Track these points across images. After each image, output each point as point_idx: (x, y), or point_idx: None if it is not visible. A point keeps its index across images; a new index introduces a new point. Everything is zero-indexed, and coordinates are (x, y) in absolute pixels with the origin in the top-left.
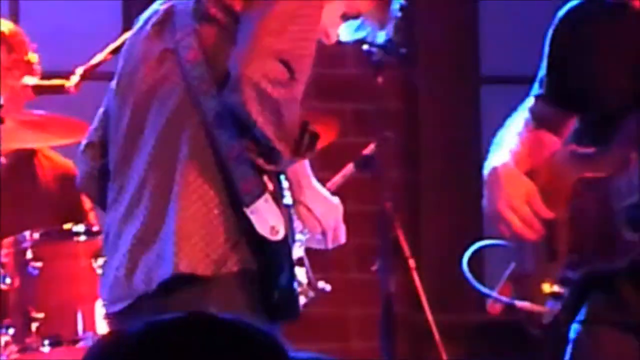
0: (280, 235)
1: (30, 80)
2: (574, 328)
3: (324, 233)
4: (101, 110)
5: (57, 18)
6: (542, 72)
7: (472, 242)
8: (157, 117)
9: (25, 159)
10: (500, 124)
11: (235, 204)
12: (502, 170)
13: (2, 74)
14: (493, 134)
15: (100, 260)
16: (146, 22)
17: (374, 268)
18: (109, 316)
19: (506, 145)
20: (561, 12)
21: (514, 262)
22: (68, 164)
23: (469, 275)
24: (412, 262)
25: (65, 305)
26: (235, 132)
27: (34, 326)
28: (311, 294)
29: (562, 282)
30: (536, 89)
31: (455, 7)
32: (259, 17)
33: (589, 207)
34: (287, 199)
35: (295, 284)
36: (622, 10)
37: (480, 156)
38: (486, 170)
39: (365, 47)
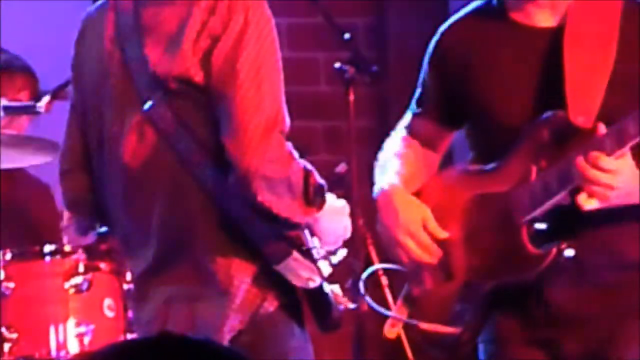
0: (316, 283)
1: (1, 102)
2: (484, 348)
3: (335, 239)
4: (67, 135)
5: (28, 38)
6: (420, 90)
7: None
8: (156, 189)
9: (9, 175)
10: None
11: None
12: (393, 194)
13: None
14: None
15: (75, 280)
16: (99, 65)
17: (346, 287)
18: None
19: (391, 167)
20: (443, 27)
21: (408, 283)
22: (42, 183)
23: (367, 297)
24: (384, 280)
25: (38, 325)
26: (241, 202)
27: (6, 346)
28: (351, 305)
29: (462, 300)
30: (414, 107)
31: (427, 23)
32: (230, 91)
33: (488, 223)
34: (314, 242)
35: (330, 296)
36: (505, 23)
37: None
38: (376, 193)
39: (337, 64)
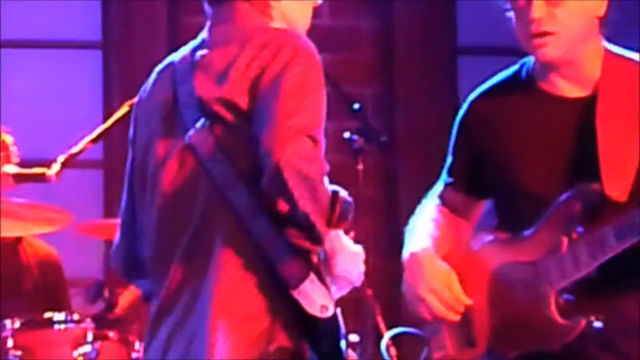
0: (330, 312)
1: (11, 169)
2: None
3: (349, 282)
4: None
5: (37, 106)
6: (451, 159)
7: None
8: (189, 216)
9: (9, 246)
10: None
11: (280, 287)
12: (422, 255)
13: None
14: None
15: (83, 349)
16: (152, 110)
17: (354, 356)
18: None
19: (422, 231)
20: (471, 97)
21: (429, 347)
22: (51, 251)
23: (387, 358)
24: (392, 350)
25: None
26: (268, 221)
27: None
28: (353, 355)
29: None
30: (445, 177)
31: (434, 96)
32: (273, 100)
33: (516, 291)
34: (325, 267)
35: (343, 348)
36: (534, 93)
37: None
38: (405, 255)
39: (346, 134)
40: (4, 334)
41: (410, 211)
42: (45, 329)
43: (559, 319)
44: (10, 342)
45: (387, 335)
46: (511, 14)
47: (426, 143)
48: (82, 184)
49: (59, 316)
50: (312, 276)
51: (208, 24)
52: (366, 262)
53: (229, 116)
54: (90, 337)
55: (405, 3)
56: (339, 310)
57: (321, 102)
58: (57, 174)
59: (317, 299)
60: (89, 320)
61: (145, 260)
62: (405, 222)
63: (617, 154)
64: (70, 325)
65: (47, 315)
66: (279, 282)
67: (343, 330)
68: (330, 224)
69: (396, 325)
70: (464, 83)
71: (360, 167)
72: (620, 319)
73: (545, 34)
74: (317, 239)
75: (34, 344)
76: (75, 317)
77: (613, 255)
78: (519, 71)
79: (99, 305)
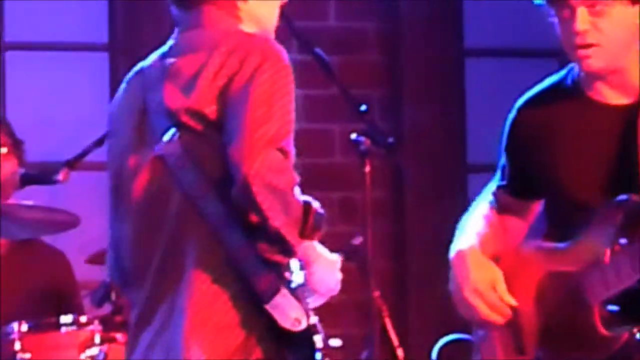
0: (303, 325)
1: (17, 171)
2: None
3: (324, 294)
4: None
5: (44, 109)
6: (502, 161)
7: (457, 331)
8: (161, 227)
9: (18, 248)
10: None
11: (253, 299)
12: (469, 254)
13: None
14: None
15: (91, 352)
16: (124, 118)
17: (362, 357)
18: None
19: (472, 228)
20: (519, 103)
21: (479, 353)
22: (58, 251)
23: None
24: (400, 352)
25: None
26: (241, 233)
27: None
28: None
29: None
30: (498, 178)
31: (440, 98)
32: (241, 109)
33: (560, 301)
34: (299, 278)
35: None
36: (580, 100)
37: None
38: (452, 253)
39: (352, 136)
40: (11, 336)
41: (417, 213)
42: (53, 331)
43: (602, 330)
44: (17, 345)
45: (440, 342)
46: (555, 19)
47: (433, 144)
48: (88, 185)
49: (66, 319)
50: (284, 290)
51: (176, 29)
52: (373, 263)
53: (198, 126)
54: (97, 339)
55: (412, 5)
56: (316, 319)
57: (290, 108)
58: (65, 175)
59: (290, 312)
60: (96, 322)
61: (125, 268)
62: (412, 223)
63: None
64: (77, 327)
65: (55, 318)
66: (253, 293)
67: (322, 337)
68: (303, 235)
69: (404, 326)
70: (470, 85)
71: (368, 168)
72: None
73: (589, 45)
74: (288, 252)
75: (42, 346)
76: (83, 319)
77: None
78: (564, 78)
79: (106, 308)
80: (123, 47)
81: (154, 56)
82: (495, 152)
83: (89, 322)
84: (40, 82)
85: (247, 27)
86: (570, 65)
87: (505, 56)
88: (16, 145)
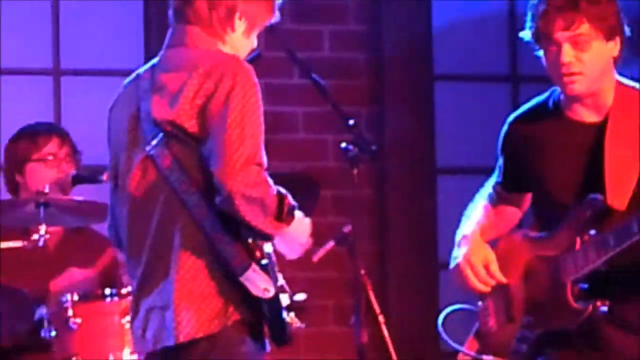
0: (271, 294)
1: (71, 172)
2: None
3: (293, 250)
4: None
5: (91, 124)
6: (499, 162)
7: (428, 302)
8: (151, 216)
9: (72, 234)
10: (452, 207)
11: (230, 274)
12: (471, 237)
13: (54, 165)
14: (446, 213)
15: (128, 317)
16: (121, 119)
17: (350, 323)
18: None
19: (474, 217)
20: (510, 119)
21: (479, 321)
22: (104, 237)
23: (443, 334)
24: (381, 318)
25: (100, 353)
26: (217, 221)
27: None
28: (299, 323)
29: (519, 339)
30: (496, 175)
31: (414, 115)
32: (220, 133)
33: (542, 279)
34: (269, 247)
35: (285, 317)
36: (560, 119)
37: (435, 232)
38: (458, 237)
39: (343, 145)
40: (65, 305)
41: (395, 207)
42: (99, 301)
43: (573, 303)
44: (70, 312)
45: (445, 311)
46: (540, 52)
47: (409, 152)
48: None
49: (109, 291)
50: (254, 266)
51: (165, 42)
52: (359, 247)
53: (180, 135)
54: None
55: (393, 40)
56: (283, 282)
57: (259, 123)
58: (107, 176)
59: (260, 283)
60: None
61: (123, 242)
62: (391, 215)
63: (619, 171)
64: (119, 298)
65: (100, 290)
66: (229, 269)
67: (288, 295)
68: (281, 220)
69: (384, 298)
70: (439, 103)
71: (355, 171)
72: (628, 304)
73: (573, 74)
74: (267, 238)
75: (90, 313)
76: (123, 291)
77: (615, 253)
78: (547, 100)
79: None
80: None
81: (147, 66)
82: (459, 158)
83: (128, 294)
84: (87, 102)
85: (225, 49)
86: (551, 89)
87: (470, 80)
88: (75, 153)
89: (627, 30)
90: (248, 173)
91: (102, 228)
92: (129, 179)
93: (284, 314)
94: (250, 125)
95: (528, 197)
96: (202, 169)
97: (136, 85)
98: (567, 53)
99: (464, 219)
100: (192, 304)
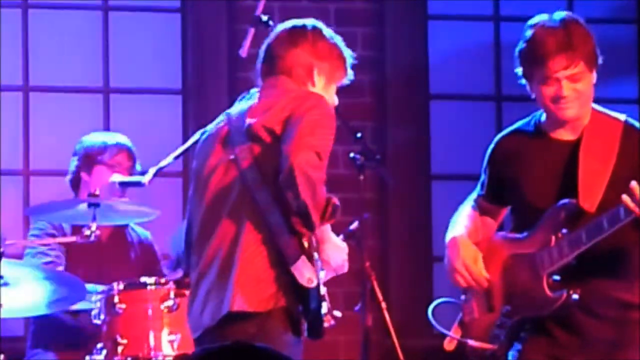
0: (314, 284)
1: (118, 177)
2: (514, 356)
3: (336, 270)
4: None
5: (136, 138)
6: (482, 178)
7: (424, 290)
8: (224, 207)
9: (119, 230)
10: (445, 209)
11: (283, 263)
12: (460, 240)
13: (116, 172)
14: (439, 214)
15: (167, 303)
16: (212, 137)
17: (356, 308)
18: (195, 340)
19: (461, 223)
20: (497, 138)
21: (462, 310)
22: (147, 234)
23: (433, 321)
24: (383, 304)
25: (141, 334)
26: (280, 216)
27: (119, 349)
28: (332, 322)
29: (499, 326)
30: (479, 189)
31: (412, 129)
32: (296, 125)
33: (520, 273)
34: (316, 253)
35: (323, 314)
36: (542, 137)
37: (429, 230)
38: (447, 239)
39: (351, 154)
40: (112, 292)
41: (396, 208)
42: (141, 289)
43: (549, 292)
44: (116, 299)
45: (434, 303)
46: (523, 81)
47: (407, 161)
48: (166, 188)
49: (150, 280)
50: (303, 257)
51: (260, 87)
52: (365, 243)
53: (267, 138)
54: (172, 294)
55: (395, 65)
56: (325, 290)
57: (329, 137)
58: (149, 181)
59: (306, 273)
60: (171, 282)
61: (192, 242)
62: (392, 215)
63: (591, 179)
64: (159, 286)
65: (142, 279)
66: (282, 259)
67: (328, 305)
68: (323, 219)
69: (386, 287)
70: (433, 120)
71: (362, 177)
72: (596, 293)
73: (568, 102)
74: (310, 227)
75: (133, 299)
76: (162, 280)
77: (586, 249)
78: (529, 122)
79: (179, 273)
80: (192, 92)
81: (238, 106)
82: (451, 166)
83: (166, 282)
84: (135, 119)
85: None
86: (532, 114)
87: (463, 99)
88: (133, 167)
89: (600, 59)
90: (310, 155)
91: (143, 225)
92: (212, 177)
93: (323, 310)
94: (321, 132)
95: (504, 211)
96: (275, 170)
97: (228, 117)
98: (567, 87)
99: (452, 222)
100: (248, 285)
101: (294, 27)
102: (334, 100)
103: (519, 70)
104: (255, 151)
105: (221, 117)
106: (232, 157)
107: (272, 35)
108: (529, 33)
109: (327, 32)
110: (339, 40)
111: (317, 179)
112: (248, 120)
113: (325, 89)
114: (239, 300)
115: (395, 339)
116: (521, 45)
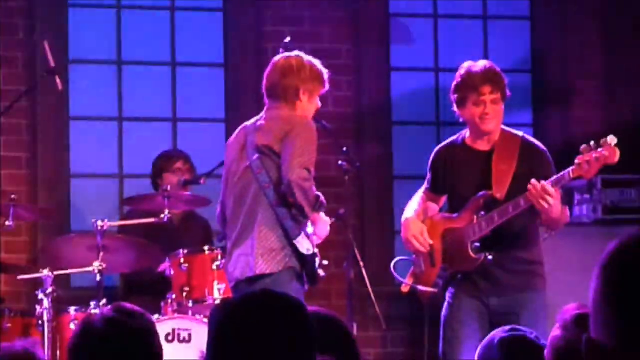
0: (311, 252)
1: (182, 178)
2: (449, 298)
3: (320, 238)
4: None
5: (199, 152)
6: (428, 176)
7: (388, 254)
8: (246, 200)
9: (188, 214)
10: (403, 200)
11: (289, 238)
12: (410, 220)
13: (179, 175)
14: (399, 202)
15: (217, 263)
16: (233, 144)
17: (344, 266)
18: (231, 289)
19: (412, 207)
20: (436, 148)
21: (414, 266)
22: (203, 217)
23: (394, 273)
24: (361, 264)
25: (200, 284)
26: (285, 208)
27: (184, 294)
28: (323, 273)
29: (439, 277)
30: (425, 184)
31: (380, 145)
32: (289, 147)
33: (453, 242)
34: (310, 229)
35: (317, 268)
36: (466, 148)
37: (392, 213)
38: (403, 219)
39: (339, 162)
40: (179, 256)
41: (370, 199)
42: (200, 254)
43: (472, 255)
44: (182, 260)
45: (394, 260)
46: (455, 108)
47: (377, 167)
48: (215, 185)
49: (205, 248)
50: (303, 234)
51: (266, 108)
52: (348, 222)
53: (269, 154)
54: (219, 258)
55: (368, 101)
56: (317, 251)
57: (313, 151)
58: (204, 180)
59: (305, 245)
60: (219, 250)
61: (227, 219)
62: (367, 203)
63: (500, 177)
64: (211, 252)
65: (200, 247)
66: (288, 235)
67: (319, 260)
68: (314, 209)
69: (363, 251)
70: (396, 142)
71: (347, 178)
72: (505, 254)
73: (490, 117)
74: (305, 216)
75: (194, 261)
76: (213, 247)
77: (497, 225)
78: (457, 138)
79: (224, 243)
80: (231, 118)
81: (253, 120)
82: (406, 170)
83: (216, 249)
84: (195, 143)
85: (297, 112)
86: (459, 133)
87: (422, 125)
88: (192, 169)
89: (508, 94)
90: (303, 172)
91: (203, 211)
92: (237, 178)
93: (317, 265)
94: (308, 150)
95: (443, 199)
96: (278, 176)
97: (244, 130)
98: (490, 107)
99: (407, 207)
100: (265, 254)
101: (284, 60)
102: (318, 105)
103: (454, 98)
104: (263, 162)
105: (240, 129)
106: (248, 164)
107: (270, 66)
108: (463, 71)
109: (307, 58)
110: (317, 62)
111: (308, 187)
112: (256, 140)
113: (310, 101)
114: (260, 266)
115: (369, 287)
116: (457, 79)
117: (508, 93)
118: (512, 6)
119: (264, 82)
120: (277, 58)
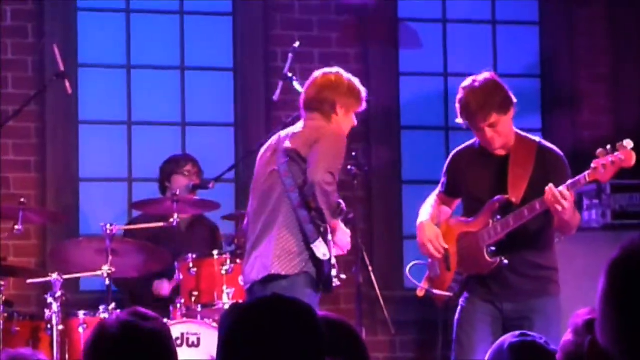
0: (327, 257)
1: (191, 182)
2: (463, 302)
3: (342, 248)
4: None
5: (206, 157)
6: (443, 179)
7: (397, 259)
8: (269, 202)
9: (196, 218)
10: (411, 205)
11: (307, 242)
12: (425, 223)
13: (187, 178)
14: (408, 206)
15: (225, 267)
16: (265, 150)
17: (352, 270)
18: (246, 291)
19: (426, 211)
20: (453, 152)
21: (429, 270)
22: (212, 221)
23: (410, 277)
24: (370, 268)
25: (208, 288)
26: (306, 211)
27: (193, 299)
28: (338, 282)
29: (454, 281)
30: (440, 187)
31: (389, 150)
32: (317, 151)
33: (468, 245)
34: (329, 237)
35: (333, 276)
36: (483, 153)
37: (401, 217)
38: (418, 223)
39: (349, 167)
40: (188, 260)
41: (379, 202)
42: (208, 258)
43: (487, 258)
44: (191, 264)
45: (409, 265)
46: (460, 119)
47: (386, 171)
48: (224, 190)
49: (214, 252)
50: (320, 239)
51: (303, 120)
52: (357, 225)
53: (297, 158)
54: (228, 261)
55: (376, 105)
56: (335, 262)
57: (340, 159)
58: (213, 184)
59: (322, 249)
60: (228, 254)
61: (249, 221)
62: (375, 207)
63: (516, 182)
64: (219, 256)
65: (209, 251)
66: (306, 239)
67: (337, 270)
68: (334, 215)
69: (372, 256)
70: (404, 147)
71: (355, 182)
72: (518, 258)
73: (493, 139)
74: (324, 221)
75: (202, 265)
76: (222, 252)
77: (513, 229)
78: (474, 143)
79: (232, 247)
80: (239, 123)
81: (287, 130)
82: (414, 174)
83: (224, 253)
84: (202, 147)
85: (332, 125)
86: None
87: (428, 130)
88: (199, 172)
89: (513, 97)
90: (326, 175)
91: (211, 216)
92: (263, 179)
93: (333, 274)
94: (334, 156)
95: (457, 202)
96: (303, 180)
97: (277, 138)
98: (489, 132)
99: (421, 211)
100: (282, 255)
101: (323, 75)
102: (354, 122)
103: (460, 120)
104: (290, 166)
105: (275, 136)
106: (276, 167)
107: (310, 80)
108: (460, 95)
109: (346, 75)
110: (355, 80)
111: (331, 191)
112: (287, 144)
113: (345, 117)
114: (276, 267)
115: (378, 291)
116: (457, 104)
117: (513, 100)
118: (521, 11)
119: (302, 96)
120: (316, 73)
